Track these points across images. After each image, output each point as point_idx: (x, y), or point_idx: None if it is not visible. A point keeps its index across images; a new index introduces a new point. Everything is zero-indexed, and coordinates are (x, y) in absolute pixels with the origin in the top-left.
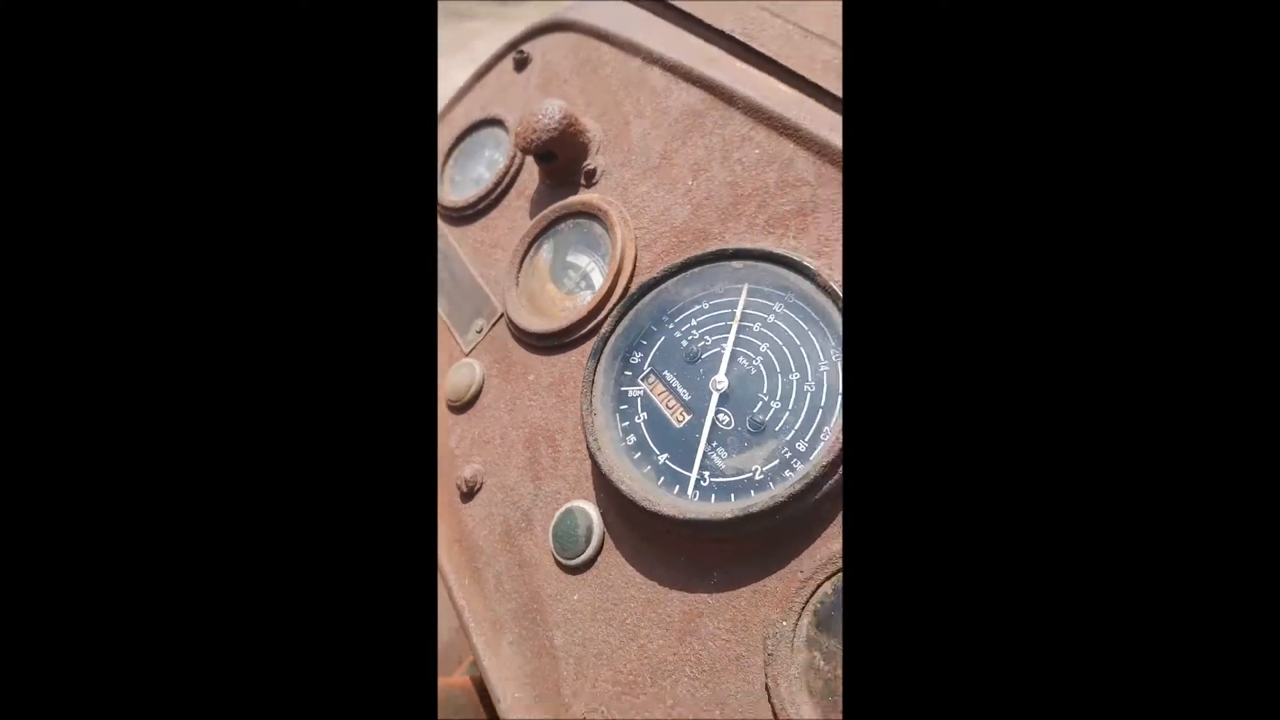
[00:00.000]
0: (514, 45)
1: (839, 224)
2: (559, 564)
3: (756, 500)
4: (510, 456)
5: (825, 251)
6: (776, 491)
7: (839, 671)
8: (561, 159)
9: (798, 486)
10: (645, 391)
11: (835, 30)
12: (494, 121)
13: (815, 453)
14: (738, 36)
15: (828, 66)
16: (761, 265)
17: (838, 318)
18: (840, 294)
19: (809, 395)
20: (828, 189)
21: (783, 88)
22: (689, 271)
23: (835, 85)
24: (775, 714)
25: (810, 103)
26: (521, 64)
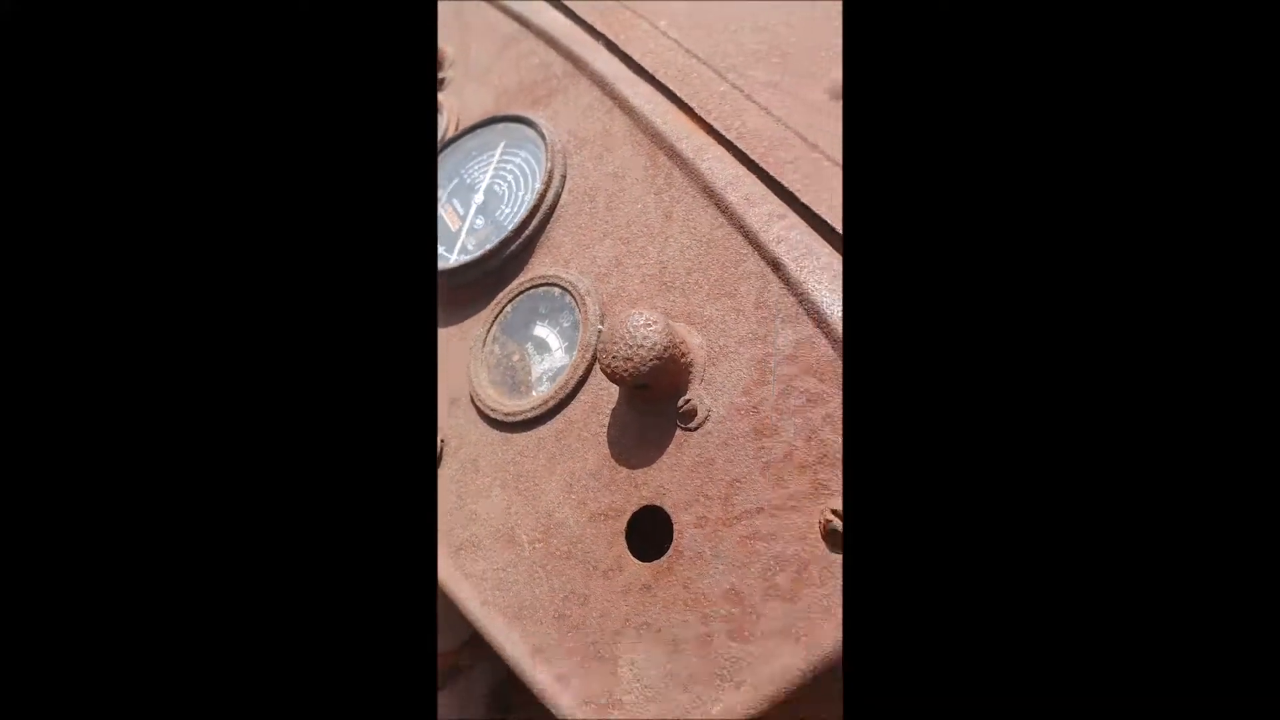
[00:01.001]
0: None
1: (571, 101)
2: None
3: (468, 255)
4: None
5: (555, 117)
6: (482, 250)
7: (504, 351)
8: None
9: (493, 246)
10: (441, 214)
11: None
12: None
13: (509, 226)
14: None
15: (593, 7)
16: (511, 125)
17: (547, 154)
18: (548, 137)
19: (527, 201)
20: (568, 79)
21: (562, 19)
22: (473, 133)
23: (588, 16)
24: (469, 385)
25: (576, 29)
26: None
